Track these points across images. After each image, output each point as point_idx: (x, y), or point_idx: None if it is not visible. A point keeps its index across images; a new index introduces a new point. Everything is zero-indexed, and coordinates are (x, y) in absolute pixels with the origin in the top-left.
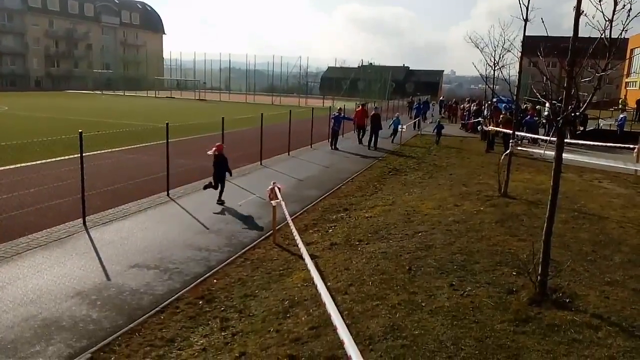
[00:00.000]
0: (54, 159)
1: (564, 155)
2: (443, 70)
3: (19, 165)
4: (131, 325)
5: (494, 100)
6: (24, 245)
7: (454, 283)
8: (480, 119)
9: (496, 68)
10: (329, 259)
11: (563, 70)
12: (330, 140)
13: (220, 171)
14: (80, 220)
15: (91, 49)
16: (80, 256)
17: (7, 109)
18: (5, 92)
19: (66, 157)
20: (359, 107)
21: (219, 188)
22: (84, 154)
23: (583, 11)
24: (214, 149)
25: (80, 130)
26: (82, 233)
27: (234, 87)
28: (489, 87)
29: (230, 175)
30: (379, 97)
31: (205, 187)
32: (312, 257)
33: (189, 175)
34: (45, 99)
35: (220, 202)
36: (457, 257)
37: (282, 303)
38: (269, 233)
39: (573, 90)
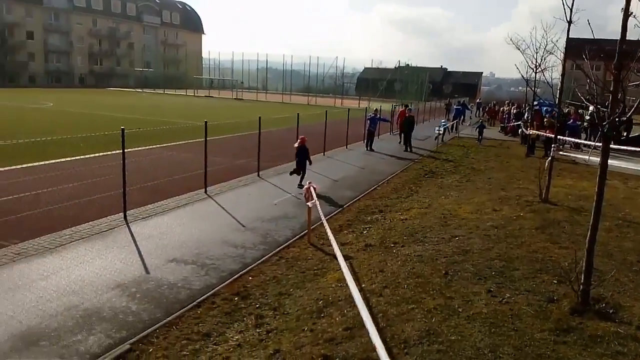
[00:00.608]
0: (97, 154)
1: (608, 161)
2: (482, 72)
3: (63, 159)
4: (169, 319)
5: (535, 103)
6: (68, 237)
7: (492, 289)
8: (520, 122)
9: (538, 70)
10: (364, 260)
11: (608, 74)
12: (365, 141)
13: (302, 160)
14: (121, 214)
15: (133, 47)
16: (120, 249)
17: (52, 105)
18: (51, 89)
19: (108, 153)
20: (401, 108)
21: (301, 174)
22: (125, 150)
23: (632, 12)
24: (298, 141)
25: (122, 127)
26: (122, 227)
27: (271, 87)
28: (530, 89)
29: (310, 164)
30: (416, 99)
31: (291, 173)
32: (347, 258)
33: (226, 173)
34: (89, 96)
35: (300, 186)
36: (495, 262)
37: (316, 302)
38: (303, 232)
39: (620, 95)
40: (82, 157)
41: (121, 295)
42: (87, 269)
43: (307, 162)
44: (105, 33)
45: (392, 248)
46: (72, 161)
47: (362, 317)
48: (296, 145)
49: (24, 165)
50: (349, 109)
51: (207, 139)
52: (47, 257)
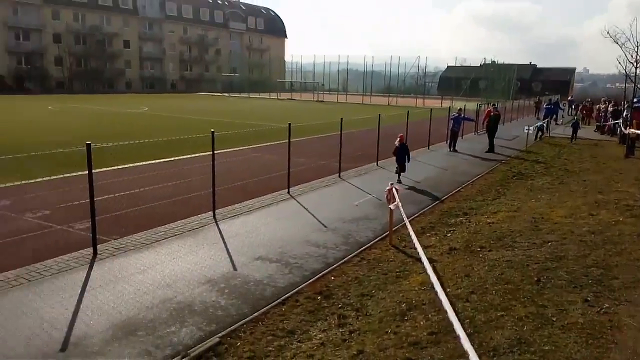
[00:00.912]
0: (189, 156)
1: None
2: (575, 68)
3: (158, 160)
4: (255, 314)
5: (635, 100)
6: (162, 234)
7: (588, 298)
8: (619, 120)
9: (639, 65)
10: (448, 264)
11: None
12: (448, 141)
13: (401, 157)
14: (211, 213)
15: (220, 53)
16: (210, 246)
17: (147, 110)
18: (145, 94)
19: (198, 155)
20: (487, 107)
21: (400, 170)
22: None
23: None
24: (398, 139)
25: (212, 130)
26: (212, 225)
27: (351, 88)
28: (630, 84)
29: (409, 161)
30: (502, 97)
31: (396, 171)
32: (430, 261)
33: (308, 174)
34: (180, 101)
35: (399, 181)
36: (592, 270)
37: (399, 305)
38: (385, 234)
39: None
40: (174, 158)
41: (211, 290)
42: (180, 264)
43: (407, 159)
44: (195, 40)
45: (478, 252)
46: (166, 162)
47: (448, 322)
48: (396, 143)
49: (124, 166)
50: (431, 109)
51: (290, 140)
52: (144, 252)
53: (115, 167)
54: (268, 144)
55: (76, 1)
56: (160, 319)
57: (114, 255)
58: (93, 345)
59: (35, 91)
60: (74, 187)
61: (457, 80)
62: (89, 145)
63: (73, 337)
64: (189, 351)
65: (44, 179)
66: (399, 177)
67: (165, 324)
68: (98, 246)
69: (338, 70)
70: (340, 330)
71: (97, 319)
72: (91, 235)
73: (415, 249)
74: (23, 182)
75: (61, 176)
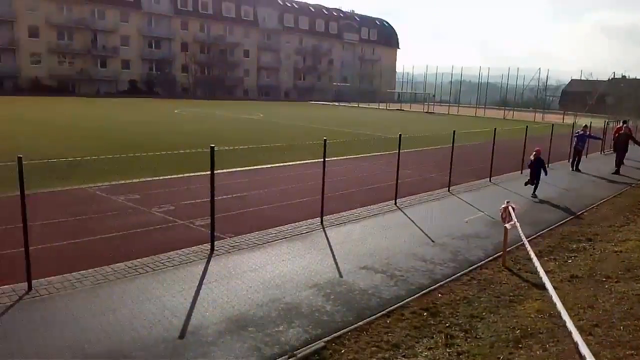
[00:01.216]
0: (299, 162)
1: None
2: None
3: (269, 165)
4: (360, 323)
5: None
6: (273, 236)
7: None
8: None
9: None
10: (569, 292)
11: None
12: (571, 160)
13: (537, 170)
14: (318, 219)
15: (332, 63)
16: (317, 252)
17: (262, 117)
18: (261, 102)
19: (308, 161)
20: (617, 124)
21: (535, 184)
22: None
23: None
24: (534, 153)
25: (324, 138)
26: (319, 231)
27: (464, 100)
28: None
29: (546, 174)
30: (636, 116)
31: (525, 184)
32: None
33: (415, 186)
34: (293, 109)
35: (534, 196)
36: None
37: (512, 331)
38: (498, 254)
39: None
40: (286, 164)
41: (317, 295)
42: (288, 267)
43: (543, 173)
44: (309, 50)
45: (603, 282)
46: (278, 167)
47: (569, 354)
48: (532, 157)
49: (239, 169)
50: (552, 125)
51: (400, 150)
52: (256, 252)
53: (232, 170)
54: (376, 154)
55: (203, 12)
56: (269, 317)
57: (229, 252)
58: (208, 336)
59: (163, 95)
60: (195, 185)
61: (581, 94)
62: (212, 148)
63: (190, 326)
64: (295, 352)
65: (170, 176)
66: (534, 191)
67: (274, 323)
68: (215, 242)
69: (451, 82)
70: (448, 350)
71: (212, 311)
72: (210, 232)
73: (532, 272)
74: (150, 178)
75: (184, 175)
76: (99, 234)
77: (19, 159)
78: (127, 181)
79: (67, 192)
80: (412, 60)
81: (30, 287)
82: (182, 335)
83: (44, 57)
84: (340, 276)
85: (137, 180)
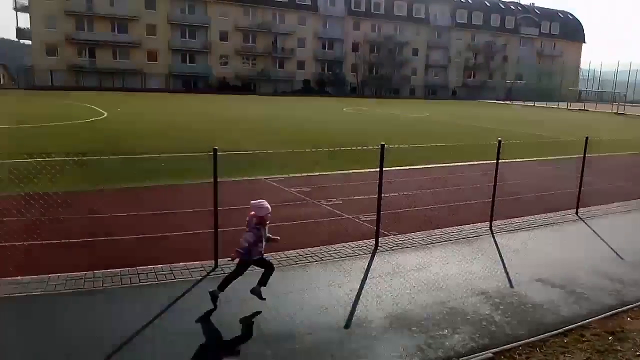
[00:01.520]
0: (466, 163)
1: None
2: None
3: (434, 165)
4: (532, 339)
5: None
6: (437, 237)
7: None
8: None
9: None
10: None
11: None
12: None
13: None
14: (487, 223)
15: (507, 60)
16: (485, 257)
17: (428, 115)
18: (427, 100)
19: (476, 162)
20: None
21: None
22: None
23: None
24: None
25: (499, 138)
26: (487, 236)
27: None
28: None
29: None
30: None
31: None
32: None
33: (600, 196)
34: (461, 107)
35: None
36: None
37: None
38: None
39: None
40: (452, 164)
41: (484, 303)
42: (453, 270)
43: None
44: (482, 47)
45: None
46: (443, 167)
47: None
48: None
49: (403, 167)
50: None
51: (586, 155)
52: (419, 252)
53: (395, 168)
54: (554, 157)
55: (375, 12)
56: (433, 319)
57: (392, 249)
58: (372, 330)
59: (333, 94)
60: (361, 182)
61: None
62: (382, 146)
63: (355, 318)
64: (461, 359)
65: (339, 172)
66: None
67: (438, 326)
68: (379, 239)
69: None
70: None
71: (376, 306)
72: (375, 228)
73: None
74: (320, 173)
75: (352, 171)
76: (272, 222)
77: (214, 150)
78: (299, 175)
79: (247, 182)
80: (601, 56)
81: (216, 265)
82: (347, 325)
83: (231, 58)
84: (511, 286)
85: (307, 174)
